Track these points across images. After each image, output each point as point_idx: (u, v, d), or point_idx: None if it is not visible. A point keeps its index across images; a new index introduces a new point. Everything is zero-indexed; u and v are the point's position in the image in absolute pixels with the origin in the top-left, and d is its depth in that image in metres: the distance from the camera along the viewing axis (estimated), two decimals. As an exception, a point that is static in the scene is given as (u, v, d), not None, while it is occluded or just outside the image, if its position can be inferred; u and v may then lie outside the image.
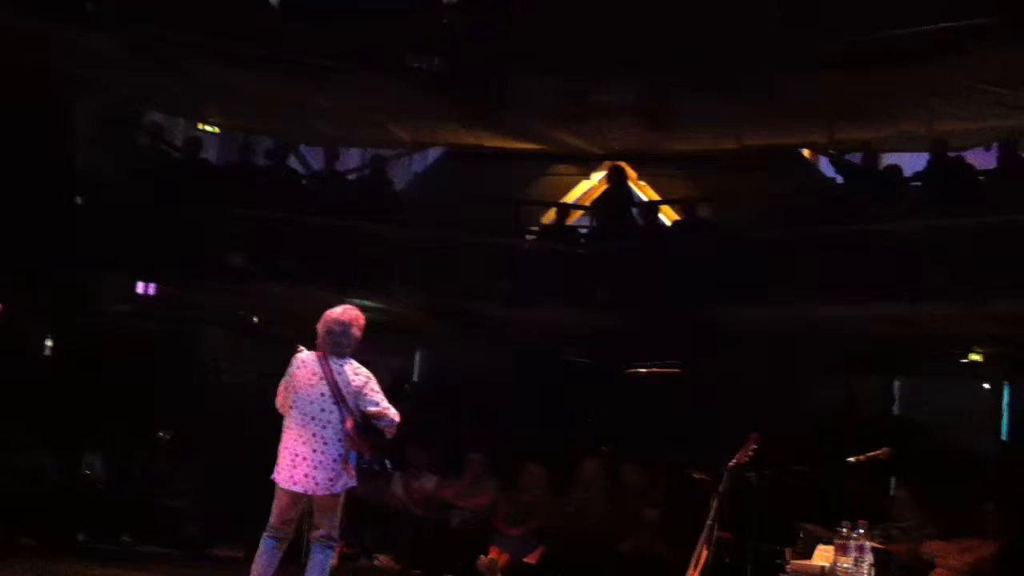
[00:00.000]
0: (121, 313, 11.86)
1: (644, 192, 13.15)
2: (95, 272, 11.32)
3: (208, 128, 13.13)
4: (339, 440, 6.46)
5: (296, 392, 6.53)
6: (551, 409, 11.01)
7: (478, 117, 11.88)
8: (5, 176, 10.30)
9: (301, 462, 6.44)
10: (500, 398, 11.61)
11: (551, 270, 11.91)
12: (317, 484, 6.44)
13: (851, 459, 7.02)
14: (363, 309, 6.90)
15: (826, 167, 12.94)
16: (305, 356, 6.62)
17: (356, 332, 6.64)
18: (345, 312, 6.67)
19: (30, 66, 10.52)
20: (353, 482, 6.57)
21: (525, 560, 9.40)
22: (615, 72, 11.15)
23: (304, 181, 13.13)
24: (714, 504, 7.04)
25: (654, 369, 7.87)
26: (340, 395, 6.46)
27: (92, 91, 11.83)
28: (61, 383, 11.02)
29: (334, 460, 6.45)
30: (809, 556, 6.54)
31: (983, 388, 10.98)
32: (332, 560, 6.67)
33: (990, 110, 10.65)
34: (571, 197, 13.26)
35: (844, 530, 6.10)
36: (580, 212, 13.19)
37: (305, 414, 6.48)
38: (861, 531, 6.08)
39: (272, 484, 6.57)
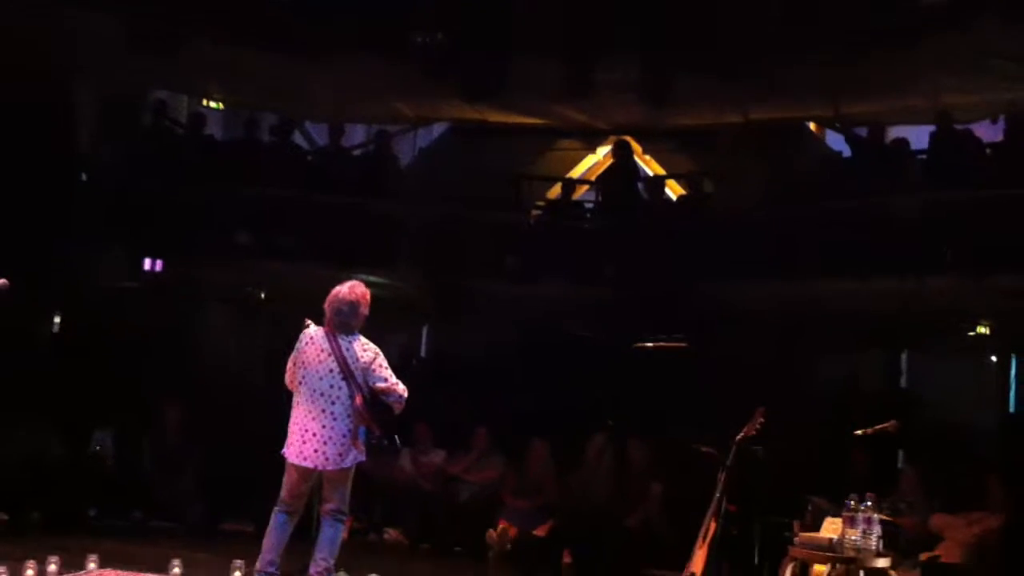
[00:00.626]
0: (127, 290, 11.87)
1: (650, 167, 13.14)
2: (100, 250, 11.34)
3: (212, 105, 13.08)
4: (348, 416, 6.49)
5: (305, 368, 6.56)
6: (557, 384, 11.03)
7: (481, 94, 11.85)
8: (8, 156, 10.28)
9: (311, 438, 6.48)
10: (506, 373, 11.63)
11: (556, 245, 11.92)
12: (327, 459, 6.47)
13: (858, 432, 7.06)
14: (368, 284, 6.91)
15: (832, 141, 12.92)
16: (313, 332, 6.64)
17: (364, 310, 6.67)
18: (352, 290, 6.68)
19: (31, 45, 10.49)
20: (362, 457, 6.61)
21: (534, 533, 9.44)
22: (618, 49, 11.11)
23: (309, 157, 13.11)
24: (722, 477, 7.09)
25: (661, 343, 7.87)
26: (348, 371, 6.48)
27: (94, 70, 11.81)
28: (68, 360, 11.05)
29: (343, 435, 6.48)
30: (817, 529, 6.58)
31: (990, 362, 10.98)
32: (342, 534, 6.72)
33: (996, 83, 10.62)
34: (576, 172, 13.24)
35: (852, 503, 6.14)
36: (585, 187, 13.16)
37: (314, 390, 6.51)
38: (869, 504, 6.12)
39: (282, 459, 6.62)
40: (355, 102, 12.65)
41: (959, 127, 10.93)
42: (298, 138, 13.42)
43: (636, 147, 12.72)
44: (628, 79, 11.25)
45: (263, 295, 11.82)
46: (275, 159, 12.25)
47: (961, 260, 9.93)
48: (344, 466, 6.54)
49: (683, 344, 7.93)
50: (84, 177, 11.96)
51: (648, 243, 11.53)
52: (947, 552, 7.91)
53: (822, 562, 6.19)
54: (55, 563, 7.06)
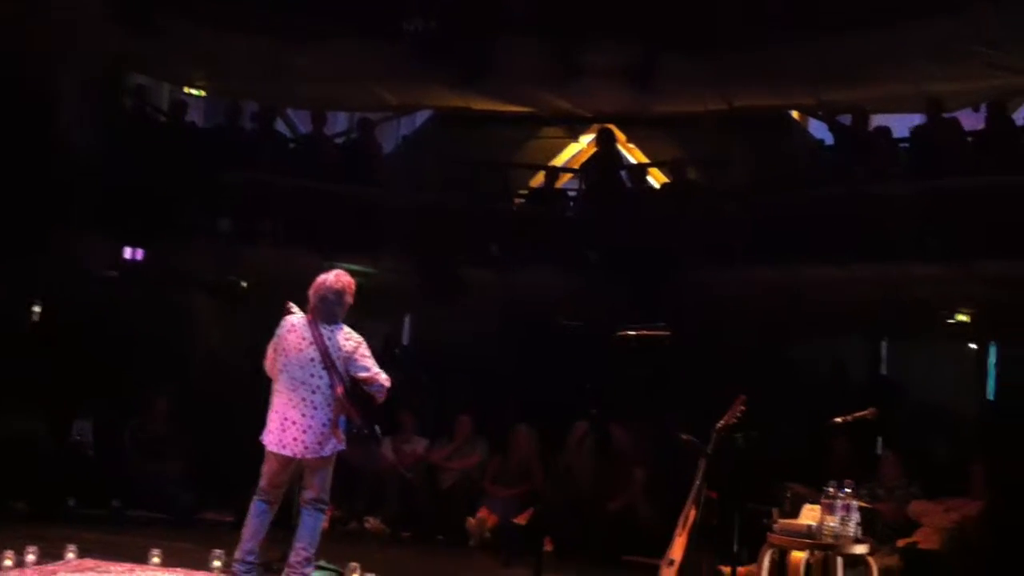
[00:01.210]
0: (108, 279, 11.82)
1: (633, 155, 13.13)
2: (81, 237, 11.28)
3: (194, 92, 13.01)
4: (328, 405, 6.47)
5: (285, 356, 6.53)
6: (540, 371, 11.03)
7: (465, 79, 11.81)
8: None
9: (290, 426, 6.46)
10: (489, 361, 11.63)
11: (539, 233, 11.91)
12: (306, 448, 6.46)
13: (838, 419, 7.08)
14: (352, 273, 6.90)
15: (815, 129, 12.94)
16: (295, 320, 6.61)
17: (349, 299, 6.65)
18: (338, 278, 6.66)
19: (7, 25, 10.41)
20: (342, 446, 6.59)
21: (514, 521, 9.46)
22: (602, 33, 11.09)
23: (291, 145, 13.06)
24: (702, 465, 7.11)
25: (643, 331, 7.88)
26: (330, 360, 6.46)
27: (74, 54, 11.73)
28: (49, 349, 11.00)
29: (323, 425, 6.47)
30: (796, 516, 6.60)
31: (969, 349, 11.03)
32: (322, 523, 6.71)
33: (979, 71, 10.64)
34: (560, 160, 13.23)
35: (831, 490, 6.16)
36: (569, 175, 13.15)
37: (294, 379, 6.49)
38: (847, 491, 6.14)
39: (261, 447, 6.60)
40: (338, 88, 12.60)
41: (947, 116, 10.95)
42: (280, 126, 13.36)
43: (619, 135, 12.71)
44: (611, 64, 11.24)
45: (245, 285, 11.79)
46: (257, 146, 12.20)
47: (942, 248, 9.95)
48: (324, 455, 6.52)
49: (665, 333, 7.94)
50: (64, 164, 11.86)
51: (631, 230, 11.53)
52: (925, 538, 7.96)
53: (800, 549, 6.21)
54: (33, 553, 7.05)
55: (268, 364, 6.66)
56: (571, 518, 9.30)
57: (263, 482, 6.61)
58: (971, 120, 11.22)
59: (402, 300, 12.26)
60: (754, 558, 6.64)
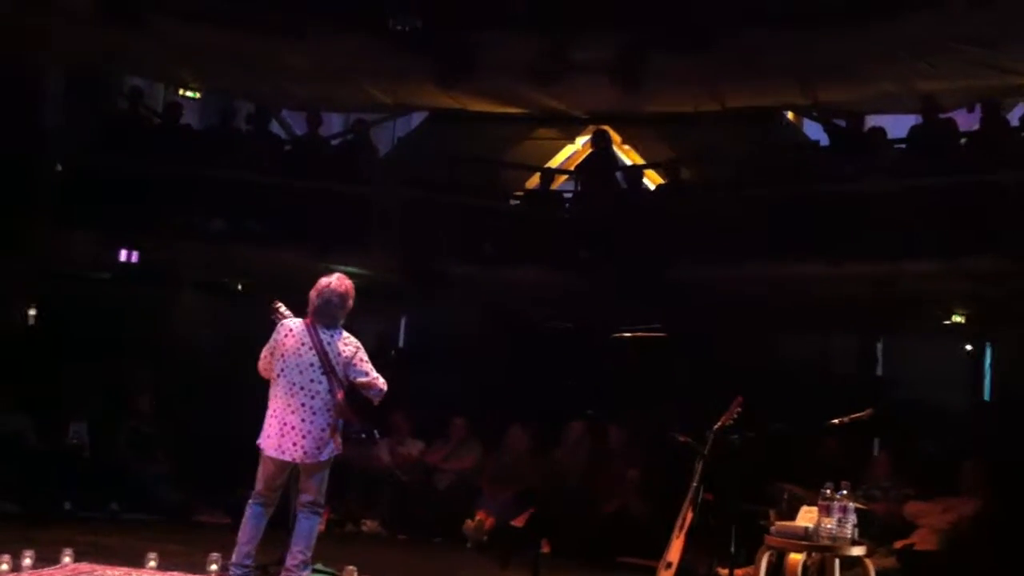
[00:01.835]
0: (101, 279, 11.81)
1: (628, 156, 13.13)
2: (75, 238, 11.26)
3: (189, 94, 12.98)
4: (328, 410, 6.47)
5: (284, 360, 6.51)
6: (536, 372, 11.03)
7: (457, 78, 11.79)
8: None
9: (290, 431, 6.45)
10: (484, 361, 11.63)
11: (535, 234, 11.90)
12: (306, 453, 6.46)
13: (834, 421, 7.08)
14: (348, 275, 6.88)
15: (810, 129, 12.95)
16: (293, 324, 6.60)
17: (351, 303, 6.66)
18: (341, 282, 6.65)
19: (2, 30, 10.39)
20: (339, 450, 6.59)
21: (512, 523, 9.45)
22: (593, 31, 11.08)
23: (287, 147, 13.04)
24: (698, 467, 7.12)
25: (639, 332, 7.88)
26: (329, 365, 6.47)
27: (66, 55, 11.71)
28: (42, 350, 10.98)
29: (322, 429, 6.47)
30: (792, 517, 6.60)
31: (965, 348, 11.04)
32: (319, 526, 6.72)
33: (969, 70, 10.65)
34: (555, 161, 13.22)
35: (827, 491, 6.16)
36: (564, 177, 13.14)
37: (294, 383, 6.48)
38: (844, 492, 6.14)
39: (254, 447, 6.58)
40: (332, 88, 12.58)
41: (943, 116, 10.97)
42: (276, 127, 13.34)
43: (615, 136, 12.71)
44: (603, 62, 11.22)
45: (240, 287, 11.78)
46: (252, 148, 12.19)
47: (936, 246, 9.98)
48: (322, 459, 6.53)
49: (661, 334, 7.94)
50: (56, 164, 11.85)
51: (626, 230, 11.52)
52: (921, 539, 7.97)
53: (798, 551, 6.22)
54: (30, 557, 7.03)
55: (263, 366, 6.65)
56: (566, 519, 9.29)
57: (259, 486, 6.61)
58: (967, 120, 11.23)
59: (397, 300, 12.24)
60: (751, 560, 6.64)
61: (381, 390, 6.58)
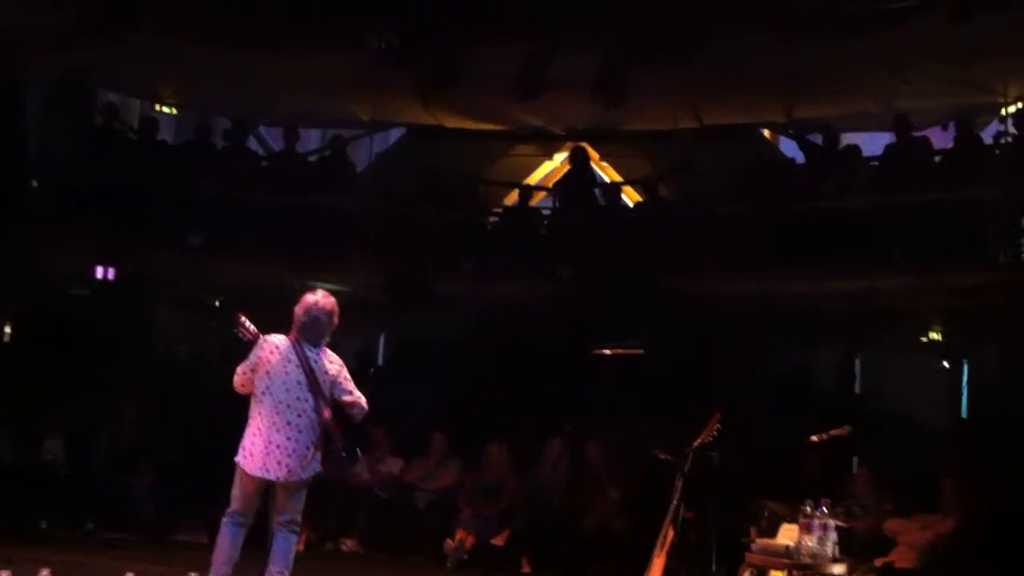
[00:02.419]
0: (79, 294, 11.74)
1: (606, 173, 13.17)
2: (52, 253, 11.19)
3: (165, 109, 12.94)
4: (312, 428, 6.41)
5: (270, 378, 6.44)
6: (516, 387, 11.03)
7: (436, 93, 11.79)
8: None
9: (275, 450, 6.38)
10: (465, 377, 11.61)
11: (514, 250, 11.92)
12: (290, 472, 6.39)
13: (813, 438, 7.10)
14: (329, 292, 6.85)
15: (786, 147, 13.04)
16: (278, 340, 6.53)
17: (336, 320, 6.62)
18: (327, 299, 6.61)
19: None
20: (319, 467, 6.54)
21: (492, 541, 9.42)
22: (572, 47, 11.11)
23: (264, 163, 13.01)
24: (679, 484, 7.12)
25: (617, 349, 7.90)
26: (315, 383, 6.42)
27: (43, 68, 11.65)
28: (19, 365, 10.89)
29: (306, 448, 6.41)
30: (773, 534, 6.63)
31: (943, 365, 11.10)
32: (297, 545, 6.65)
33: (943, 88, 10.77)
34: (534, 178, 13.24)
35: (808, 508, 6.18)
36: (543, 194, 13.16)
37: (280, 401, 6.41)
38: (824, 510, 6.17)
39: (231, 463, 6.51)
40: (310, 103, 12.57)
41: (917, 134, 11.07)
42: (253, 143, 13.31)
43: (593, 153, 12.74)
44: (581, 78, 11.25)
45: (218, 303, 11.73)
46: (229, 163, 12.16)
47: (912, 262, 10.08)
48: (303, 478, 6.47)
49: (639, 350, 7.96)
50: (32, 178, 11.79)
51: (605, 246, 11.55)
52: (901, 557, 7.98)
53: (779, 568, 6.24)
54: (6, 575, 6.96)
55: (241, 382, 6.56)
56: (547, 537, 9.27)
57: (237, 505, 6.51)
58: (942, 137, 11.34)
59: (376, 316, 12.21)
60: (732, 578, 6.65)
61: (364, 409, 6.55)
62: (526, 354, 11.33)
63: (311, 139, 14.21)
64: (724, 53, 10.73)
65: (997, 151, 10.86)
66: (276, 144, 13.43)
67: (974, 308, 9.86)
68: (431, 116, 12.57)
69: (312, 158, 13.30)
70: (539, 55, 11.21)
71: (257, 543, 6.70)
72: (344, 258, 11.54)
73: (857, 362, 11.59)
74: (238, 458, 6.46)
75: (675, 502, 7.08)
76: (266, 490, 6.52)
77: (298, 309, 6.55)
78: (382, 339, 13.30)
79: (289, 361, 6.44)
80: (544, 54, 11.19)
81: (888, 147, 11.23)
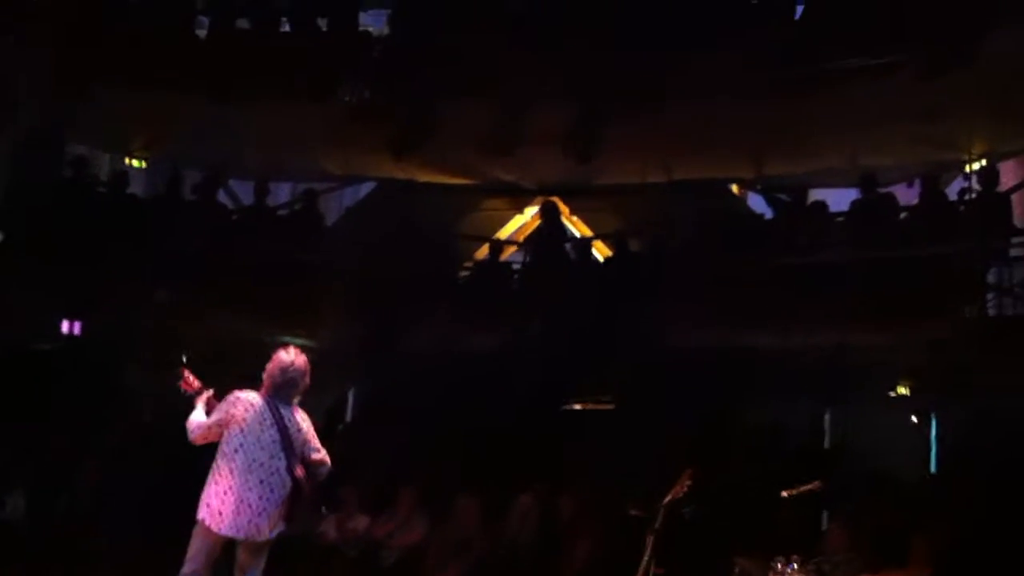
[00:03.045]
0: (43, 351, 11.60)
1: (577, 228, 13.22)
2: (17, 307, 11.08)
3: (135, 162, 12.91)
4: (283, 487, 6.36)
5: (244, 436, 6.36)
6: (485, 441, 10.96)
7: (408, 148, 11.84)
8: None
9: (246, 509, 6.29)
10: (432, 431, 11.52)
11: (485, 304, 11.91)
12: (259, 530, 6.31)
13: (784, 493, 7.08)
14: (301, 349, 6.81)
15: (753, 202, 13.15)
16: (252, 398, 6.46)
17: (308, 380, 6.60)
18: (299, 358, 6.59)
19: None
20: (284, 526, 6.46)
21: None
22: (542, 103, 11.22)
23: (234, 216, 12.98)
24: (649, 540, 7.05)
25: (588, 404, 7.88)
26: (289, 442, 6.37)
27: (10, 120, 11.61)
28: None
29: (275, 506, 6.35)
30: (745, 592, 6.56)
31: (911, 420, 11.14)
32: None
33: (910, 145, 10.92)
34: (504, 233, 13.27)
35: (779, 565, 6.14)
36: (514, 248, 13.19)
37: (253, 460, 6.33)
38: (795, 566, 6.13)
39: (193, 523, 6.39)
40: (280, 157, 12.58)
41: (882, 191, 11.21)
42: (223, 196, 13.28)
43: (563, 208, 12.80)
44: (552, 133, 11.34)
45: (185, 359, 11.60)
46: (198, 218, 12.13)
47: (880, 317, 10.14)
48: (271, 536, 6.39)
49: (610, 405, 7.94)
50: (1, 235, 11.71)
51: (576, 301, 11.56)
52: (871, 613, 7.94)
53: (750, 625, 6.17)
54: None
55: (201, 436, 6.47)
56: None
57: (196, 564, 6.33)
58: (907, 194, 11.48)
59: (346, 371, 12.13)
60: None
61: (329, 467, 6.56)
62: (496, 409, 11.26)
63: (282, 192, 14.21)
64: (695, 109, 10.87)
65: (962, 207, 11.01)
66: (247, 198, 13.40)
67: (941, 363, 9.92)
68: (402, 171, 12.60)
69: (282, 212, 13.29)
70: (511, 111, 11.30)
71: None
72: (314, 312, 11.48)
73: (827, 416, 11.62)
74: (201, 515, 6.34)
75: (646, 558, 7.01)
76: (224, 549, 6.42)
77: (273, 368, 6.50)
78: (351, 395, 13.21)
79: (264, 419, 6.39)
80: (516, 110, 11.29)
81: (854, 203, 11.37)
